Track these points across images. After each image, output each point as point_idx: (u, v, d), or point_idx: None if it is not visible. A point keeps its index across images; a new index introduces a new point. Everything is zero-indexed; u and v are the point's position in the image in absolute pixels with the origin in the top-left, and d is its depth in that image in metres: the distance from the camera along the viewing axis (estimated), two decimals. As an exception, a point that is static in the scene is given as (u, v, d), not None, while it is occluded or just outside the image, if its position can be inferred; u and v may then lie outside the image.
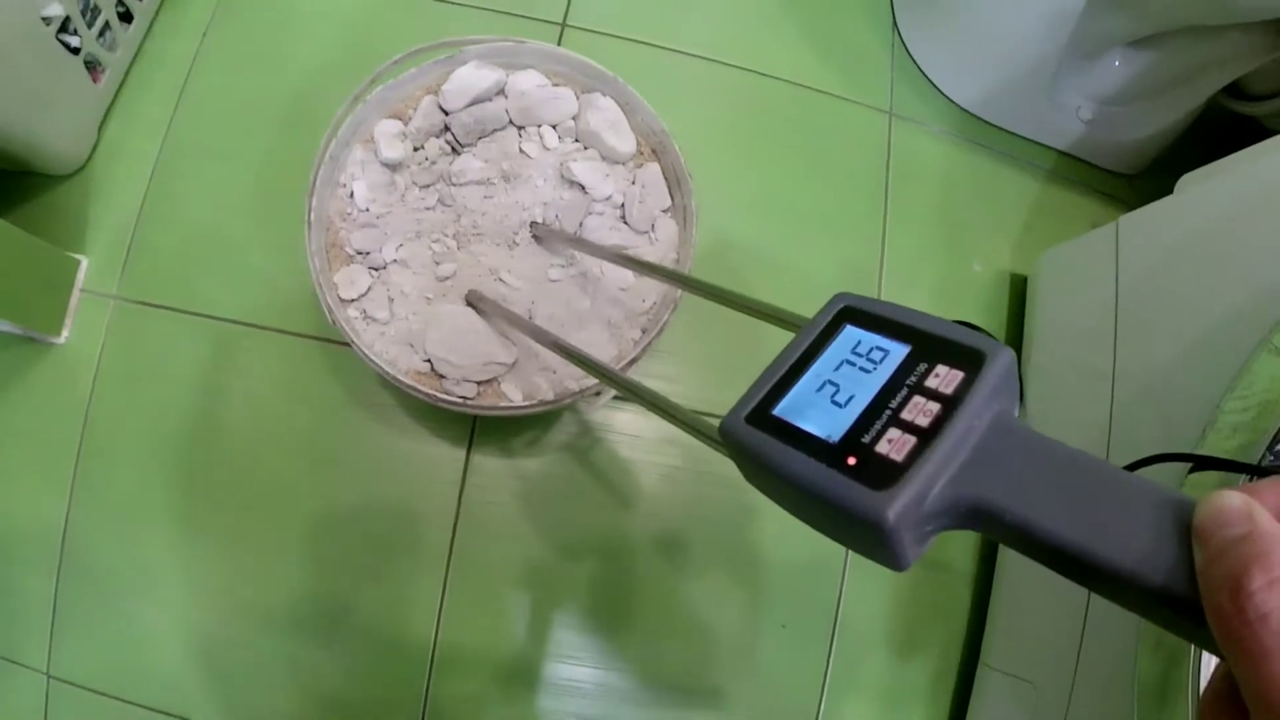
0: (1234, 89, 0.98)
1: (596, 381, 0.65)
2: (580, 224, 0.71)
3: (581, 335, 0.68)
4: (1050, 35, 0.91)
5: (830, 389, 0.29)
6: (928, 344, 0.29)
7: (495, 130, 0.71)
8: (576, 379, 0.68)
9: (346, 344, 0.77)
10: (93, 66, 0.85)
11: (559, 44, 0.94)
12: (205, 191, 0.88)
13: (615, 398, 0.82)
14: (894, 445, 0.26)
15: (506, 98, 0.71)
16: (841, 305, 0.33)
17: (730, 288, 0.44)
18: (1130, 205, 1.03)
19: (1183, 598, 0.21)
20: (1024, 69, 0.96)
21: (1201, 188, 0.76)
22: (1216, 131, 1.02)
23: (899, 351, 0.29)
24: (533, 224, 0.70)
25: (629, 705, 0.83)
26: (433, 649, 0.81)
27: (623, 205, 0.72)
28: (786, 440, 0.28)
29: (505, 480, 0.84)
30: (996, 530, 0.25)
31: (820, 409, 0.29)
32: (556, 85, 0.72)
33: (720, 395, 0.86)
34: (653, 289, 0.71)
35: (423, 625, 0.81)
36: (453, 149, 0.71)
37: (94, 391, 0.84)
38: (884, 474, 0.25)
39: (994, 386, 0.27)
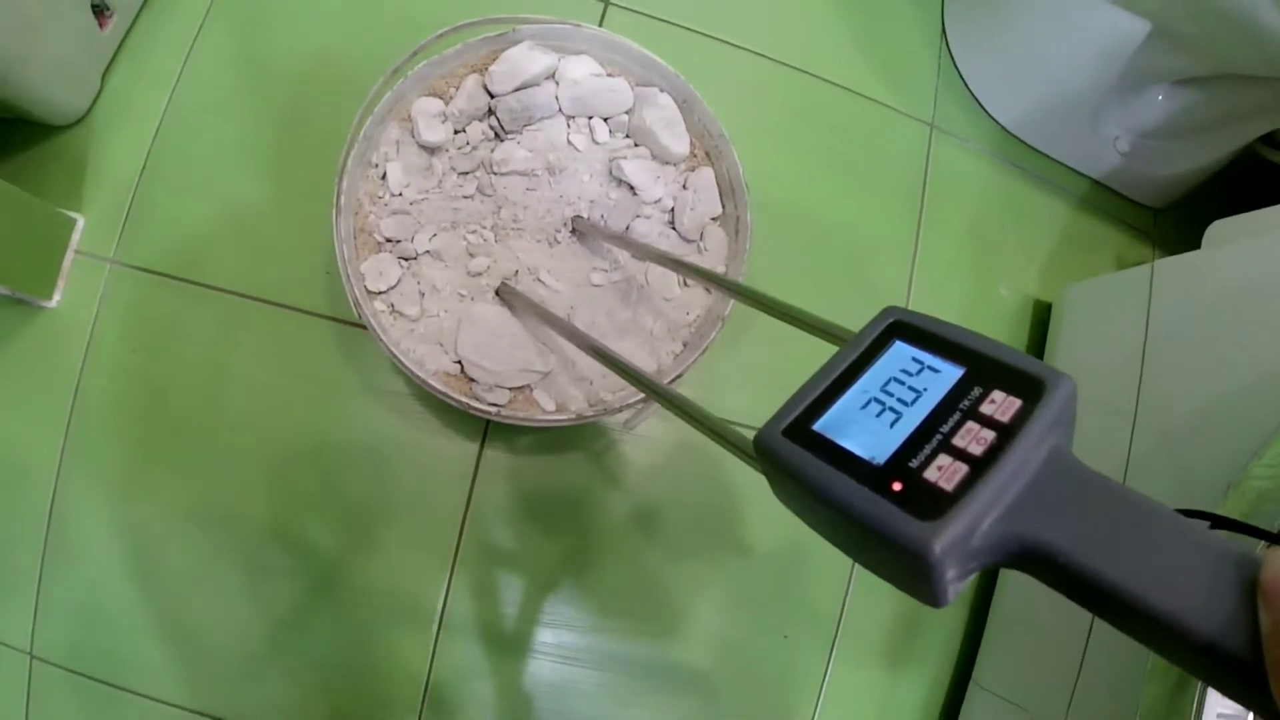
0: (1270, 138, 0.95)
1: (639, 397, 0.60)
2: (627, 227, 0.65)
3: (620, 346, 0.63)
4: (1102, 67, 0.87)
5: (876, 407, 0.27)
6: (984, 367, 0.26)
7: (543, 118, 0.64)
8: (613, 391, 0.63)
9: (359, 325, 0.71)
10: (100, 10, 0.76)
11: (601, 24, 0.87)
12: (215, 153, 0.80)
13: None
14: (944, 473, 0.24)
15: (557, 84, 0.64)
16: (891, 320, 0.30)
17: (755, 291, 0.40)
18: (1154, 239, 1.01)
19: (1239, 658, 0.19)
20: (1070, 96, 0.91)
21: (1239, 246, 0.73)
22: (1247, 177, 0.99)
23: (952, 373, 0.27)
24: (575, 218, 0.64)
25: (628, 706, 0.79)
26: (434, 647, 0.76)
27: (672, 210, 0.66)
28: (826, 458, 0.26)
29: (519, 478, 0.78)
30: (1044, 571, 0.23)
31: (864, 427, 0.26)
32: (611, 75, 0.66)
33: (754, 408, 0.81)
34: (697, 302, 0.65)
35: (423, 625, 0.76)
36: (496, 135, 0.64)
37: (86, 361, 0.76)
38: (931, 503, 0.23)
39: (1054, 418, 0.24)
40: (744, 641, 0.83)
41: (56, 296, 0.76)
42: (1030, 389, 0.25)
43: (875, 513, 0.23)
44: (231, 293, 0.77)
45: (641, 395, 0.59)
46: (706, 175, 0.66)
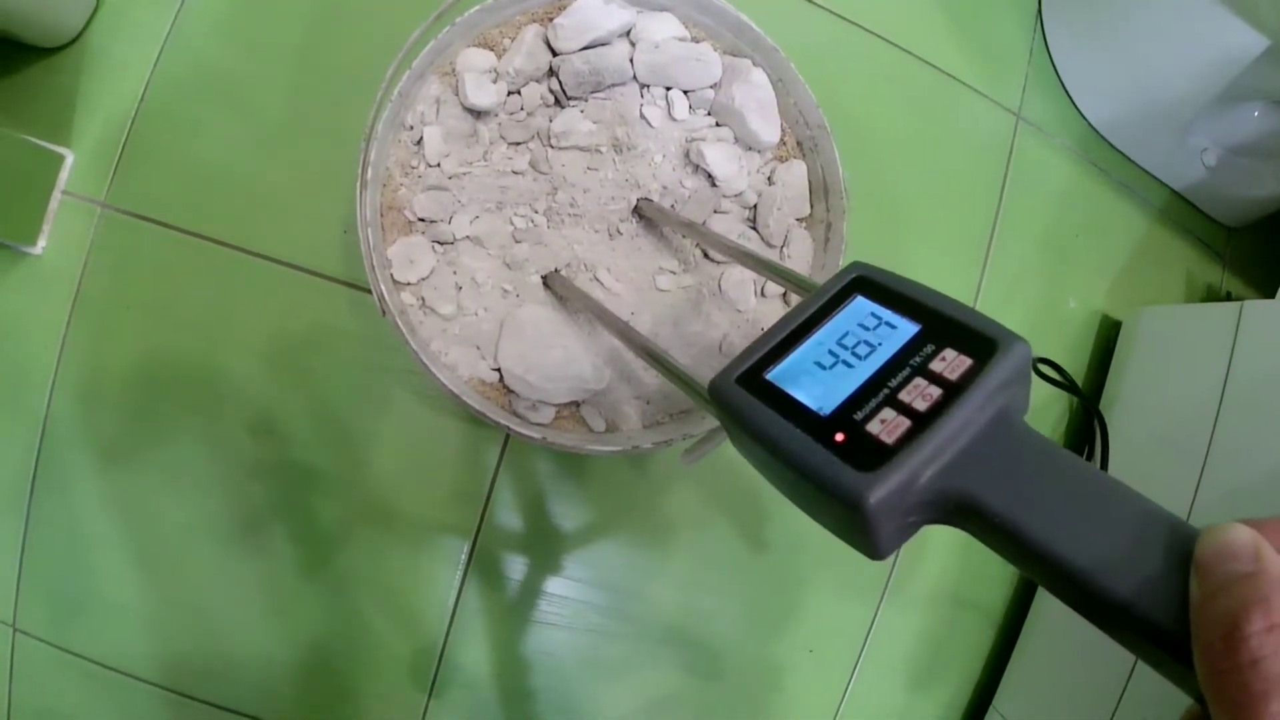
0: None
1: (702, 429, 0.47)
2: (704, 223, 0.51)
3: (686, 363, 0.50)
4: (1207, 78, 0.73)
5: (830, 359, 0.26)
6: (940, 325, 0.25)
7: (613, 85, 0.49)
8: (671, 413, 0.50)
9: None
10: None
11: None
12: (223, 85, 0.64)
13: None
14: (886, 427, 0.22)
15: (633, 46, 0.49)
16: (855, 274, 0.28)
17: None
18: (1226, 260, 0.88)
19: (1169, 630, 0.18)
20: (1167, 102, 0.77)
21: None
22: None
23: (908, 329, 0.25)
24: (642, 200, 0.50)
25: (642, 709, 0.69)
26: (449, 624, 0.65)
27: (754, 207, 0.52)
28: (775, 407, 0.25)
29: (546, 473, 0.66)
30: (981, 529, 0.22)
31: (815, 379, 0.25)
32: (697, 40, 0.51)
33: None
34: (772, 314, 0.52)
35: (434, 619, 0.65)
36: (556, 100, 0.50)
37: (73, 315, 0.62)
38: (871, 455, 0.22)
39: (1003, 379, 0.23)
40: (767, 652, 0.72)
41: (41, 242, 0.62)
42: (982, 349, 0.23)
43: (816, 462, 0.22)
44: (235, 248, 0.63)
45: (706, 428, 0.47)
46: (798, 170, 0.51)
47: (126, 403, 0.63)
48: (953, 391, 0.22)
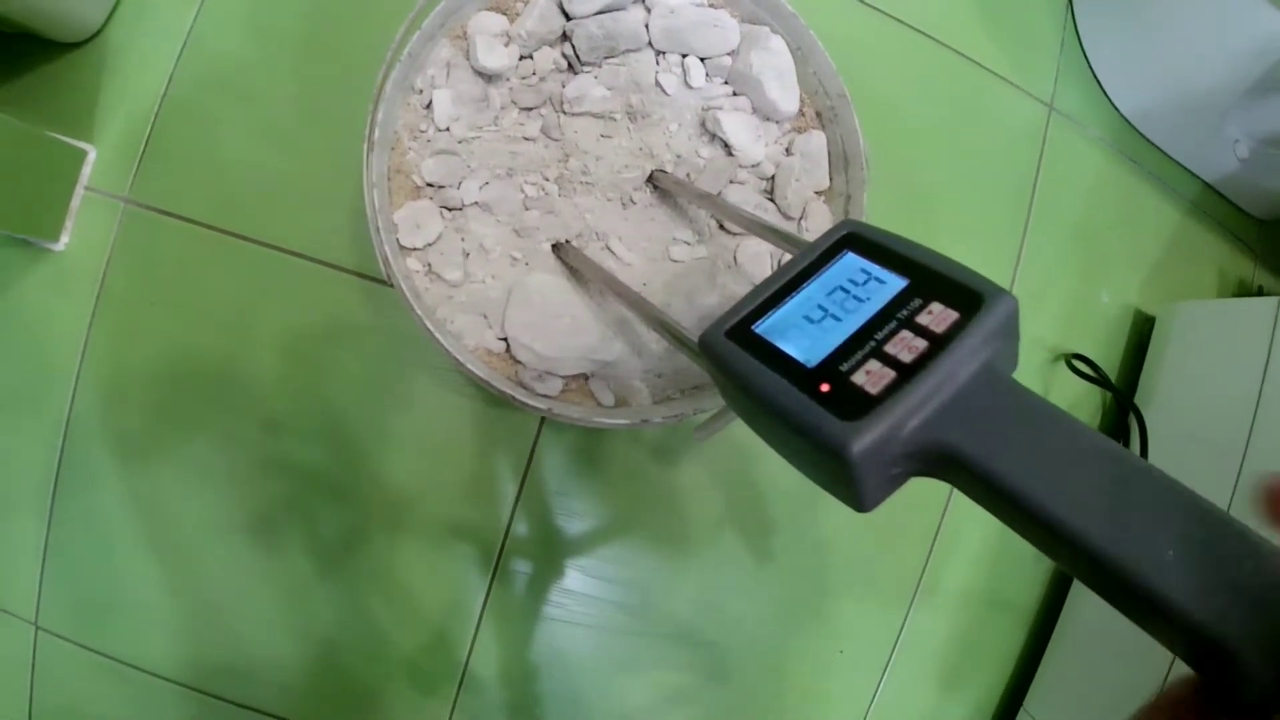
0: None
1: (715, 407, 0.43)
2: (719, 194, 0.47)
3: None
4: (1242, 68, 0.69)
5: (818, 313, 0.25)
6: (928, 280, 0.24)
7: (628, 51, 0.47)
8: (683, 388, 0.46)
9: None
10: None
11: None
12: (244, 79, 0.62)
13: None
14: (871, 378, 0.22)
15: (649, 11, 0.46)
16: (846, 231, 0.27)
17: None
18: (1257, 254, 0.82)
19: (1157, 589, 0.17)
20: (1200, 93, 0.73)
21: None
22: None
23: (896, 284, 0.24)
24: (656, 171, 0.47)
25: (666, 702, 0.65)
26: (477, 625, 0.61)
27: (772, 178, 0.48)
28: (763, 359, 0.24)
29: (576, 471, 0.61)
30: (964, 482, 0.21)
31: (803, 332, 0.24)
32: (714, 6, 0.48)
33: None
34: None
35: (459, 618, 0.61)
36: (569, 66, 0.47)
37: (96, 312, 0.60)
38: (855, 405, 0.21)
39: (989, 333, 0.22)
40: (798, 652, 0.68)
41: (64, 238, 0.60)
42: (969, 303, 0.22)
43: (800, 411, 0.22)
44: (259, 242, 0.60)
45: (719, 404, 0.42)
46: (817, 141, 0.48)
47: (149, 400, 0.60)
48: (938, 344, 0.22)
